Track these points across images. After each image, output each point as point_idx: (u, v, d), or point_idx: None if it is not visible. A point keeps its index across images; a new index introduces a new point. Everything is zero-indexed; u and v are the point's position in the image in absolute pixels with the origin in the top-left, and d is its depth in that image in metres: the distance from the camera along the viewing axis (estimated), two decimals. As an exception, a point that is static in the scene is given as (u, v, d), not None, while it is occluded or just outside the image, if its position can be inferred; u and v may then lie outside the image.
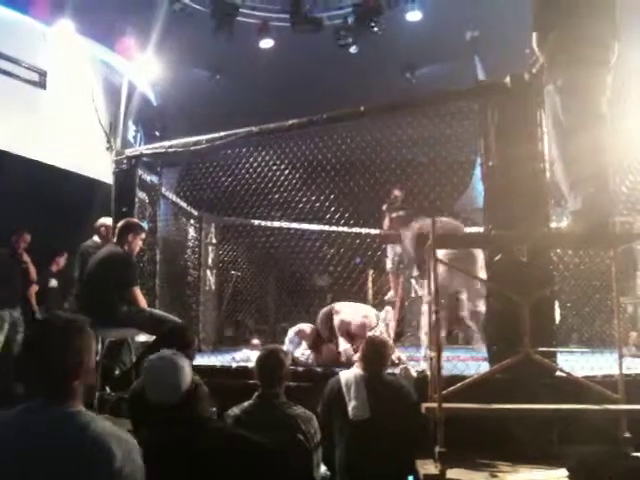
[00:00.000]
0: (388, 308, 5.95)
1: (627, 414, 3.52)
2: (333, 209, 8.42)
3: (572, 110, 3.67)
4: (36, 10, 8.07)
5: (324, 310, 5.92)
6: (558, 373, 3.98)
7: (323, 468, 3.66)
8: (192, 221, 8.35)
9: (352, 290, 8.33)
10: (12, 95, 7.81)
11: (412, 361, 5.38)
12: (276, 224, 8.96)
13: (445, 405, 3.40)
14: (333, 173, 8.36)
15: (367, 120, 6.06)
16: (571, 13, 3.73)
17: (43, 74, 8.19)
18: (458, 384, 3.59)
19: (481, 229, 4.94)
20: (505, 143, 4.58)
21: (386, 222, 9.10)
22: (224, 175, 7.51)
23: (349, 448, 3.79)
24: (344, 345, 5.43)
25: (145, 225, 6.18)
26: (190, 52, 9.53)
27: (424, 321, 5.14)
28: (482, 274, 4.71)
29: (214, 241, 8.65)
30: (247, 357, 5.84)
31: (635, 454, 3.34)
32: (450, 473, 3.30)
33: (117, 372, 5.45)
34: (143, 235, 5.56)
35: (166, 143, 6.49)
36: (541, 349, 3.76)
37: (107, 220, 6.56)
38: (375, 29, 9.51)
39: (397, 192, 9.02)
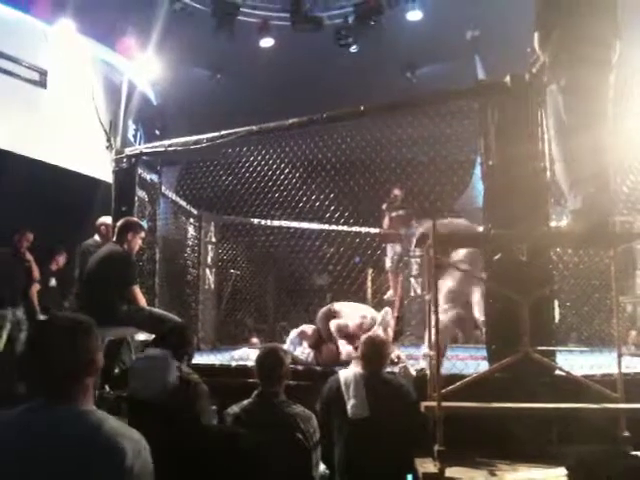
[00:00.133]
0: (387, 309, 5.94)
1: (626, 413, 3.52)
2: (333, 208, 8.43)
3: (575, 109, 3.67)
4: (37, 9, 8.07)
5: (323, 310, 5.92)
6: (557, 372, 3.98)
7: (322, 467, 3.66)
8: (192, 220, 8.35)
9: (351, 289, 8.33)
10: (12, 94, 7.81)
11: (411, 360, 5.38)
12: (276, 223, 8.96)
13: (444, 404, 3.40)
14: (333, 172, 8.38)
15: (367, 119, 6.06)
16: (572, 12, 3.73)
17: (44, 73, 8.19)
18: (457, 383, 3.59)
19: (481, 228, 4.93)
20: (505, 142, 4.58)
21: (386, 221, 9.12)
22: (224, 174, 7.52)
23: (348, 447, 3.79)
24: (345, 348, 5.42)
25: (145, 224, 6.18)
26: (190, 51, 9.53)
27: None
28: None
29: (214, 240, 8.65)
30: (246, 356, 5.84)
31: (634, 453, 3.34)
32: (449, 472, 3.30)
33: (117, 371, 5.45)
34: (143, 234, 5.57)
35: (166, 142, 6.48)
36: (540, 348, 3.77)
37: (107, 219, 6.57)
38: (375, 28, 9.51)
39: (397, 191, 9.04)
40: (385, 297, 8.97)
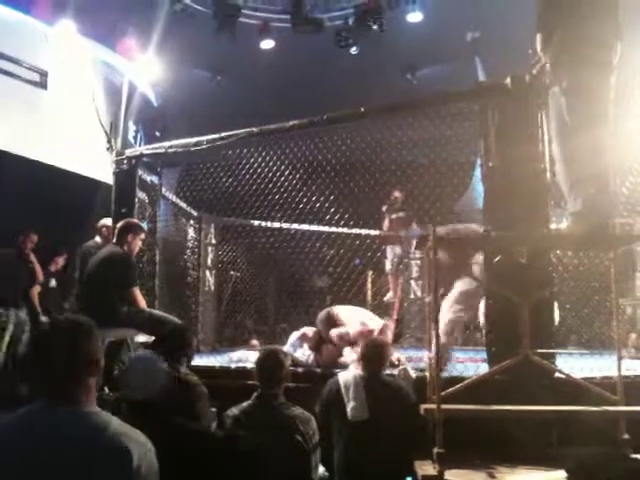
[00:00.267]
0: (388, 323, 5.94)
1: (626, 416, 3.52)
2: (333, 210, 8.43)
3: (577, 111, 3.66)
4: (37, 10, 8.07)
5: (322, 313, 5.90)
6: (557, 375, 3.98)
7: (321, 469, 3.66)
8: (192, 221, 8.35)
9: (351, 291, 8.33)
10: (13, 95, 7.82)
11: (411, 362, 5.38)
12: (276, 225, 8.95)
13: (444, 406, 3.40)
14: (333, 174, 8.38)
15: (367, 121, 6.06)
16: (574, 13, 3.73)
17: (44, 74, 8.19)
18: (457, 385, 3.59)
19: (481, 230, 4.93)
20: (505, 144, 4.58)
21: (386, 223, 9.12)
22: (224, 176, 7.52)
23: (348, 449, 3.79)
24: (351, 355, 5.40)
25: (145, 225, 6.18)
26: (191, 53, 9.54)
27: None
28: None
29: (214, 242, 8.65)
30: (245, 357, 5.83)
31: (634, 456, 3.34)
32: (448, 474, 3.30)
33: (116, 372, 5.45)
34: (143, 235, 5.56)
35: (166, 143, 6.48)
36: (540, 350, 3.77)
37: (109, 221, 6.57)
38: (376, 30, 9.51)
39: (397, 193, 9.04)
40: (385, 299, 8.97)
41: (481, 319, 5.06)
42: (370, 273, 9.36)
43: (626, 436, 3.48)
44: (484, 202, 4.76)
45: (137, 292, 5.20)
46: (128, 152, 6.64)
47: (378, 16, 9.48)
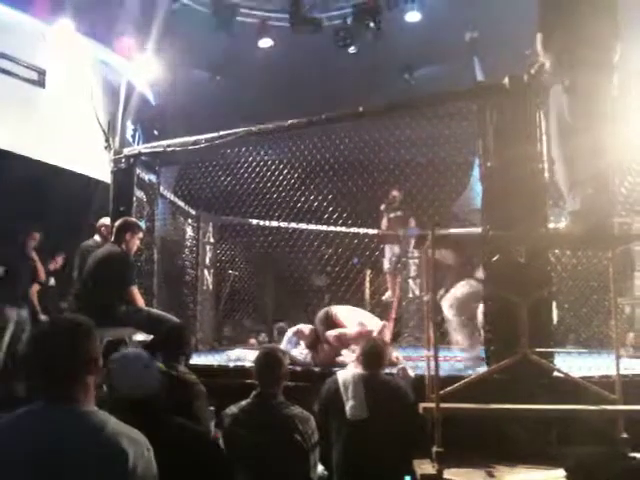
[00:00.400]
0: (386, 323, 5.94)
1: (624, 414, 3.53)
2: (331, 209, 8.43)
3: (578, 111, 3.67)
4: (36, 9, 8.04)
5: (320, 313, 5.89)
6: (556, 374, 3.99)
7: (320, 468, 3.66)
8: (190, 220, 8.35)
9: (350, 290, 8.33)
10: (11, 94, 7.79)
11: (410, 361, 5.39)
12: (274, 224, 8.95)
13: (443, 405, 3.40)
14: (331, 173, 8.38)
15: (366, 120, 6.07)
16: (574, 12, 3.73)
17: (42, 73, 8.17)
18: (456, 384, 3.59)
19: (479, 230, 4.94)
20: (503, 144, 4.59)
21: (384, 222, 9.14)
22: (222, 174, 7.52)
23: (346, 448, 3.79)
24: (349, 356, 5.40)
25: (143, 224, 6.18)
26: (189, 52, 9.51)
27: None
28: None
29: (212, 240, 8.65)
30: (244, 356, 5.83)
31: (632, 454, 3.35)
32: (447, 473, 3.30)
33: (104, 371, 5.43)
34: (141, 234, 5.56)
35: (165, 142, 6.48)
36: (539, 350, 3.78)
37: (108, 220, 6.56)
38: (374, 30, 9.51)
39: (395, 193, 9.06)
40: (383, 298, 8.98)
41: (480, 318, 5.07)
42: (368, 272, 9.37)
43: (625, 435, 3.49)
44: (482, 202, 4.77)
45: (135, 291, 5.20)
46: (126, 151, 6.64)
47: (376, 16, 9.48)
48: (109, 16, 8.27)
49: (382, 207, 9.26)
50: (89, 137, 7.95)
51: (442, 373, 3.81)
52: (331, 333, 5.50)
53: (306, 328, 5.85)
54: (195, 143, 6.16)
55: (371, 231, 9.38)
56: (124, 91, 8.24)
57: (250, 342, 8.73)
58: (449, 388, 3.52)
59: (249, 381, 3.73)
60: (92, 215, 7.25)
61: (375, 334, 5.41)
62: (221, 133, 6.00)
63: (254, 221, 8.93)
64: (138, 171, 6.57)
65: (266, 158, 7.30)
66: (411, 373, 4.48)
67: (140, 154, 6.61)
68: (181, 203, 7.99)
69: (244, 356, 5.80)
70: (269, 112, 5.94)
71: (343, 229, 8.95)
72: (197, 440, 2.58)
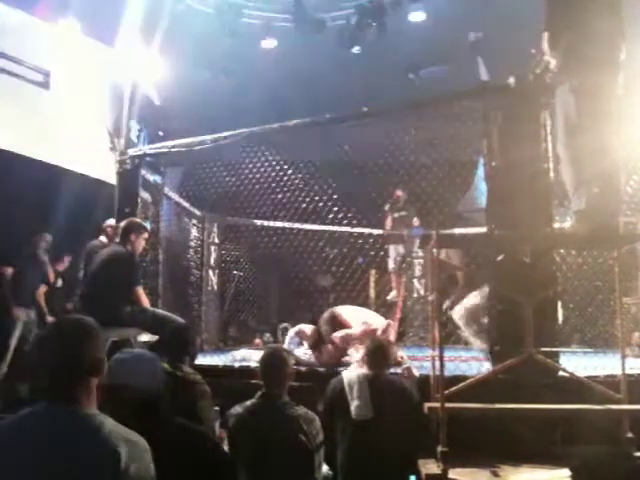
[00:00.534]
0: (390, 322, 5.93)
1: (629, 414, 3.52)
2: (336, 209, 8.43)
3: (585, 110, 3.66)
4: (40, 10, 8.07)
5: (325, 314, 5.89)
6: (561, 373, 3.98)
7: (325, 468, 3.66)
8: (195, 221, 8.36)
9: (355, 290, 8.33)
10: (16, 95, 7.81)
11: (415, 361, 5.38)
12: (278, 224, 8.96)
13: (447, 405, 3.40)
14: (336, 173, 8.37)
15: (370, 120, 6.06)
16: (580, 12, 3.73)
17: (47, 74, 8.19)
18: (461, 384, 3.59)
19: (484, 230, 4.94)
20: (508, 143, 4.58)
21: (388, 222, 9.13)
22: (227, 175, 7.53)
23: (351, 448, 3.79)
24: (356, 356, 5.39)
25: (148, 225, 6.18)
26: (194, 52, 9.54)
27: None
28: None
29: (217, 241, 8.66)
30: (249, 356, 5.83)
31: (638, 454, 3.34)
32: (452, 473, 3.31)
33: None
34: (146, 235, 5.56)
35: (169, 143, 6.49)
36: (544, 349, 3.77)
37: (114, 221, 6.58)
38: (378, 30, 9.51)
39: (399, 193, 9.05)
40: (388, 298, 8.97)
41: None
42: (373, 272, 9.37)
43: (630, 434, 3.49)
44: (487, 201, 4.76)
45: (141, 291, 5.20)
46: (131, 152, 6.65)
47: (380, 16, 9.48)
48: (113, 17, 8.28)
49: (386, 207, 9.26)
50: (94, 138, 7.96)
51: (447, 373, 3.81)
52: (337, 335, 5.50)
53: (308, 328, 5.84)
54: (200, 144, 6.17)
55: (375, 231, 9.38)
56: (129, 92, 8.26)
57: (255, 342, 8.73)
58: (454, 388, 3.52)
59: (254, 381, 3.73)
60: (97, 216, 7.26)
61: (379, 333, 5.42)
62: (225, 134, 6.01)
63: (259, 222, 8.94)
64: (143, 172, 6.58)
65: (270, 158, 7.30)
66: (416, 373, 4.48)
67: (145, 155, 6.62)
68: (186, 204, 8.00)
69: (250, 356, 5.81)
70: (273, 112, 5.94)
71: (348, 229, 8.95)
72: (199, 441, 2.58)
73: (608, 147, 3.65)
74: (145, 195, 6.66)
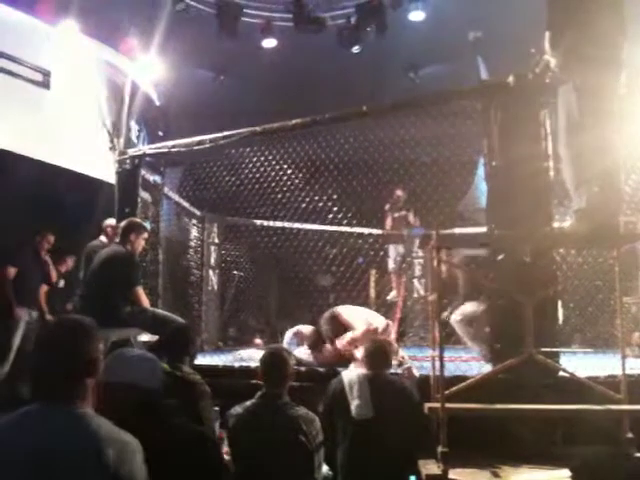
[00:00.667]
0: (390, 322, 5.92)
1: (630, 414, 3.52)
2: (336, 209, 8.42)
3: (587, 108, 3.66)
4: (40, 10, 8.07)
5: (326, 314, 5.88)
6: (561, 373, 3.97)
7: (325, 468, 3.65)
8: (195, 221, 8.36)
9: (355, 290, 8.32)
10: (16, 95, 7.81)
11: (415, 361, 5.38)
12: (279, 224, 8.95)
13: (448, 405, 3.40)
14: (336, 173, 8.36)
15: (370, 120, 6.05)
16: (582, 11, 3.72)
17: (47, 74, 8.19)
18: (461, 384, 3.58)
19: (484, 229, 4.94)
20: (508, 143, 4.58)
21: (388, 222, 9.13)
22: (227, 175, 7.51)
23: (352, 447, 3.79)
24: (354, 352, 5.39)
25: (148, 225, 6.18)
26: (193, 52, 9.53)
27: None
28: None
29: (217, 241, 8.66)
30: (249, 356, 5.83)
31: (638, 455, 3.34)
32: (452, 473, 3.30)
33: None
34: (145, 235, 5.56)
35: (169, 143, 6.49)
36: (544, 349, 3.77)
37: (114, 221, 6.58)
38: (378, 29, 9.51)
39: (399, 192, 9.06)
40: (388, 298, 8.97)
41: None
42: (373, 272, 9.36)
43: (630, 435, 3.48)
44: (487, 201, 4.76)
45: (141, 291, 5.20)
46: (131, 152, 6.65)
47: (380, 15, 9.48)
48: (113, 17, 8.29)
49: (386, 207, 9.26)
50: (94, 138, 7.97)
51: (447, 373, 3.80)
52: (342, 341, 5.47)
53: (305, 329, 5.84)
54: (200, 143, 6.16)
55: (376, 231, 9.38)
56: (129, 91, 8.26)
57: (255, 342, 8.72)
58: (454, 388, 3.51)
59: (254, 381, 3.73)
60: (97, 216, 7.26)
61: (380, 332, 5.42)
62: (225, 133, 6.00)
63: (259, 221, 8.93)
64: (143, 172, 6.58)
65: (270, 158, 7.29)
66: (416, 373, 4.47)
67: (145, 155, 6.62)
68: (186, 204, 8.00)
69: (249, 356, 5.81)
70: (273, 111, 5.95)
71: (348, 229, 8.95)
72: (196, 441, 2.58)
73: (609, 146, 3.64)
74: (145, 195, 6.66)
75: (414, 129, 6.63)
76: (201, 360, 5.34)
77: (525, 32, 4.17)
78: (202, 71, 10.86)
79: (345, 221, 8.62)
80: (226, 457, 3.42)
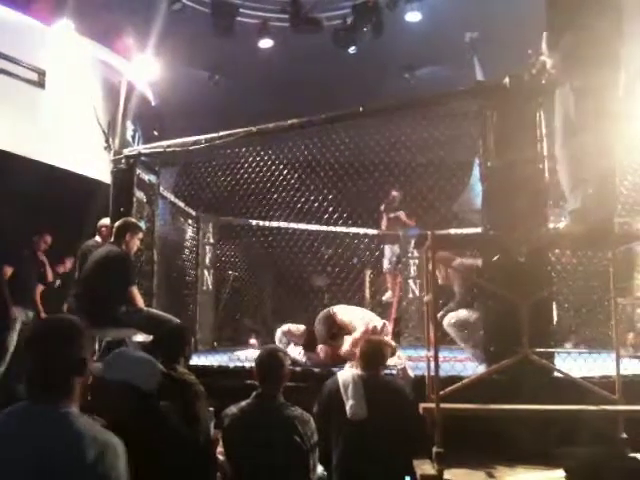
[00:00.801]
0: (386, 322, 5.91)
1: (624, 415, 3.52)
2: (331, 209, 8.42)
3: (585, 110, 3.66)
4: (36, 9, 8.06)
5: (321, 314, 5.87)
6: (556, 374, 3.98)
7: (320, 468, 3.65)
8: (190, 221, 8.35)
9: (350, 290, 8.32)
10: (11, 95, 7.79)
11: (410, 361, 5.38)
12: (274, 224, 8.95)
13: (443, 405, 3.40)
14: (332, 173, 8.36)
15: (366, 120, 6.05)
16: (580, 12, 3.72)
17: (42, 74, 8.17)
18: (456, 385, 3.58)
19: (479, 230, 4.94)
20: (504, 144, 4.58)
21: (384, 222, 9.14)
22: (222, 175, 7.50)
23: (347, 448, 3.78)
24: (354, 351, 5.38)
25: (143, 225, 6.17)
26: (189, 52, 9.52)
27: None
28: None
29: (212, 241, 8.65)
30: (244, 356, 5.83)
31: (632, 455, 3.35)
32: (447, 474, 3.30)
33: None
34: (140, 235, 5.55)
35: (164, 143, 6.48)
36: (539, 350, 3.77)
37: (109, 220, 6.56)
38: (374, 30, 9.51)
39: (395, 193, 9.07)
40: (383, 298, 8.98)
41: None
42: (369, 272, 9.37)
43: (624, 435, 3.49)
44: (483, 202, 4.77)
45: (135, 291, 5.19)
46: (126, 151, 6.63)
47: (376, 16, 9.47)
48: (109, 16, 8.27)
49: (382, 207, 9.26)
50: (89, 138, 7.96)
51: (442, 373, 3.80)
52: (346, 348, 5.45)
53: (295, 328, 5.84)
54: (195, 143, 6.15)
55: (371, 231, 9.38)
56: (124, 91, 8.24)
57: (250, 342, 8.71)
58: (449, 388, 3.51)
59: (249, 382, 3.72)
60: (92, 216, 7.24)
61: (379, 331, 5.42)
62: (221, 133, 6.00)
63: (254, 222, 8.93)
64: (138, 171, 6.55)
65: (266, 158, 7.28)
66: (411, 373, 4.47)
67: (140, 154, 6.59)
68: (181, 204, 7.99)
69: (244, 356, 5.81)
70: (269, 112, 5.93)
71: (343, 229, 8.95)
72: (190, 442, 2.58)
73: (606, 148, 3.64)
74: (140, 195, 6.64)
75: (410, 130, 6.64)
76: (196, 360, 5.33)
77: (521, 33, 4.18)
78: (198, 71, 10.83)
79: (340, 221, 8.61)
80: (221, 457, 3.42)
